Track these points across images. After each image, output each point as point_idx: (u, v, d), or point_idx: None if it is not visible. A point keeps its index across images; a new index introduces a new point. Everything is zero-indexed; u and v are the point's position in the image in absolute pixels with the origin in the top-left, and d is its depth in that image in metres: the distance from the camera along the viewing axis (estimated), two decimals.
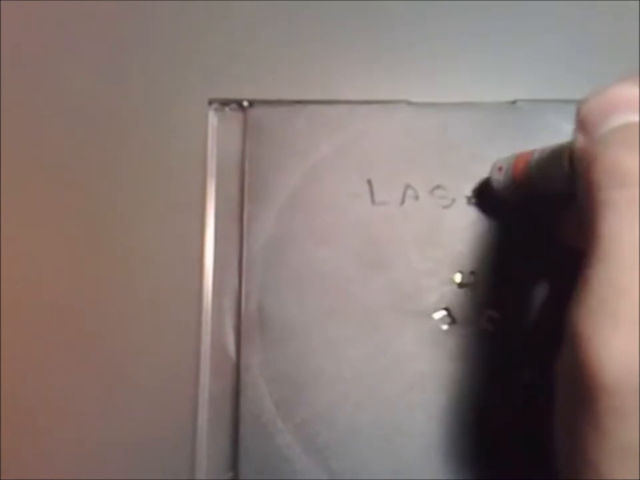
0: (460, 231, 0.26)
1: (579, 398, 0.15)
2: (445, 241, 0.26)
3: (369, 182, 0.27)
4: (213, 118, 0.28)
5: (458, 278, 0.26)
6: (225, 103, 0.28)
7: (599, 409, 0.14)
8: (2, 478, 0.27)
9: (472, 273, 0.26)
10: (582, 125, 0.17)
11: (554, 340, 0.25)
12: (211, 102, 0.28)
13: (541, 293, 0.26)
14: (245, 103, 0.28)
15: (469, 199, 0.26)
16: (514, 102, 0.27)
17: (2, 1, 0.30)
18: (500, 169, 0.24)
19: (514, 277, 0.26)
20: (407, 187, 0.27)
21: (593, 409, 0.15)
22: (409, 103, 0.27)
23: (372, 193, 0.27)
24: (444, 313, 0.26)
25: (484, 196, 0.26)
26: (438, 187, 0.27)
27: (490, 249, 0.26)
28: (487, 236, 0.26)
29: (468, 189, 0.26)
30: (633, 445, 0.14)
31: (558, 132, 0.26)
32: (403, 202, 0.27)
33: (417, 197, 0.27)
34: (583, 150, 0.17)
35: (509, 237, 0.26)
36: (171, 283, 0.28)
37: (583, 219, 0.16)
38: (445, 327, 0.26)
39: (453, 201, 0.26)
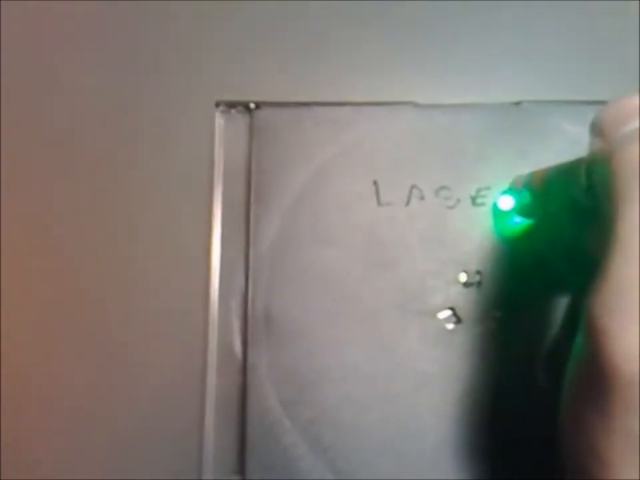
0: (465, 230, 0.26)
1: (591, 389, 0.15)
2: (450, 241, 0.26)
3: (375, 183, 0.27)
4: (219, 120, 0.28)
5: (463, 278, 0.26)
6: (231, 104, 0.28)
7: (612, 400, 0.15)
8: (2, 478, 0.27)
9: (477, 272, 0.26)
10: (600, 131, 0.18)
11: (560, 339, 0.25)
12: (217, 104, 0.28)
13: (547, 292, 0.26)
14: (252, 105, 0.28)
15: (473, 199, 0.26)
16: (519, 103, 0.27)
17: (2, 1, 0.30)
18: (519, 183, 0.24)
19: (520, 276, 0.26)
20: (413, 187, 0.27)
21: (605, 400, 0.15)
22: (415, 105, 0.27)
23: (378, 194, 0.27)
24: (449, 312, 0.26)
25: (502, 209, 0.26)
26: (443, 187, 0.27)
27: (496, 248, 0.26)
28: (493, 236, 0.26)
29: (473, 189, 0.26)
30: None
31: (563, 133, 0.27)
32: (408, 202, 0.27)
33: (422, 198, 0.27)
34: (600, 153, 0.17)
35: (515, 237, 0.26)
36: (178, 284, 0.28)
37: (601, 228, 0.16)
38: (450, 326, 0.26)
39: (458, 201, 0.26)
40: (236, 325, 0.27)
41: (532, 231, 0.25)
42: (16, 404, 0.28)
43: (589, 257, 0.21)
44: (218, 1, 0.30)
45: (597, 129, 0.18)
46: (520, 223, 0.25)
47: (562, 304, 0.25)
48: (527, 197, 0.24)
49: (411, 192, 0.27)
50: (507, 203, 0.25)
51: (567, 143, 0.26)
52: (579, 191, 0.19)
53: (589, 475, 0.16)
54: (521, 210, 0.25)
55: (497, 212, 0.26)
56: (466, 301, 0.26)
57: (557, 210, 0.23)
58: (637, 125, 0.17)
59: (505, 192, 0.25)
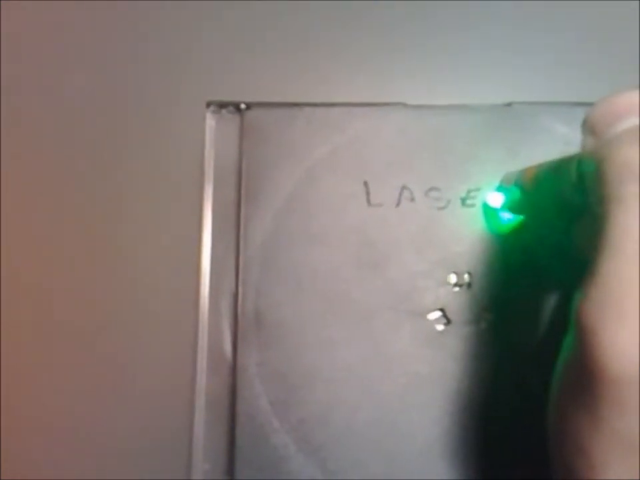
0: (455, 232, 0.26)
1: (579, 388, 0.15)
2: (440, 242, 0.26)
3: (365, 183, 0.27)
4: (210, 120, 0.28)
5: (453, 279, 0.26)
6: (222, 105, 0.28)
7: (600, 401, 0.15)
8: (2, 478, 0.27)
9: (467, 273, 0.26)
10: (591, 129, 0.18)
11: (550, 338, 0.25)
12: (208, 104, 0.28)
13: (536, 293, 0.26)
14: (242, 106, 0.28)
15: (463, 200, 0.26)
16: (509, 104, 0.27)
17: (2, 1, 0.30)
18: (509, 180, 0.24)
19: (509, 277, 0.26)
20: (403, 188, 0.27)
21: (593, 399, 0.15)
22: (405, 105, 0.27)
23: (368, 195, 0.27)
24: (439, 313, 0.26)
25: (492, 206, 0.26)
26: (433, 188, 0.27)
27: (485, 249, 0.26)
28: (482, 237, 0.26)
29: (463, 190, 0.27)
30: (630, 437, 0.14)
31: (553, 134, 0.27)
32: (398, 203, 0.27)
33: (412, 199, 0.27)
34: (592, 152, 0.17)
35: (504, 237, 0.26)
36: (168, 284, 0.28)
37: (590, 226, 0.16)
38: (440, 327, 0.26)
39: (448, 202, 0.27)
40: (226, 325, 0.27)
41: (521, 227, 0.25)
42: (15, 404, 0.27)
43: (577, 255, 0.21)
44: (209, 1, 0.30)
45: (588, 128, 0.18)
46: (510, 219, 0.26)
47: (552, 304, 0.26)
48: (517, 194, 0.24)
49: (401, 193, 0.27)
50: (496, 199, 0.25)
51: (558, 144, 0.26)
52: (569, 188, 0.19)
53: (576, 475, 0.16)
54: (511, 207, 0.25)
55: (487, 209, 0.26)
56: (456, 302, 0.26)
57: (547, 207, 0.23)
58: (628, 124, 0.17)
59: (495, 189, 0.25)
